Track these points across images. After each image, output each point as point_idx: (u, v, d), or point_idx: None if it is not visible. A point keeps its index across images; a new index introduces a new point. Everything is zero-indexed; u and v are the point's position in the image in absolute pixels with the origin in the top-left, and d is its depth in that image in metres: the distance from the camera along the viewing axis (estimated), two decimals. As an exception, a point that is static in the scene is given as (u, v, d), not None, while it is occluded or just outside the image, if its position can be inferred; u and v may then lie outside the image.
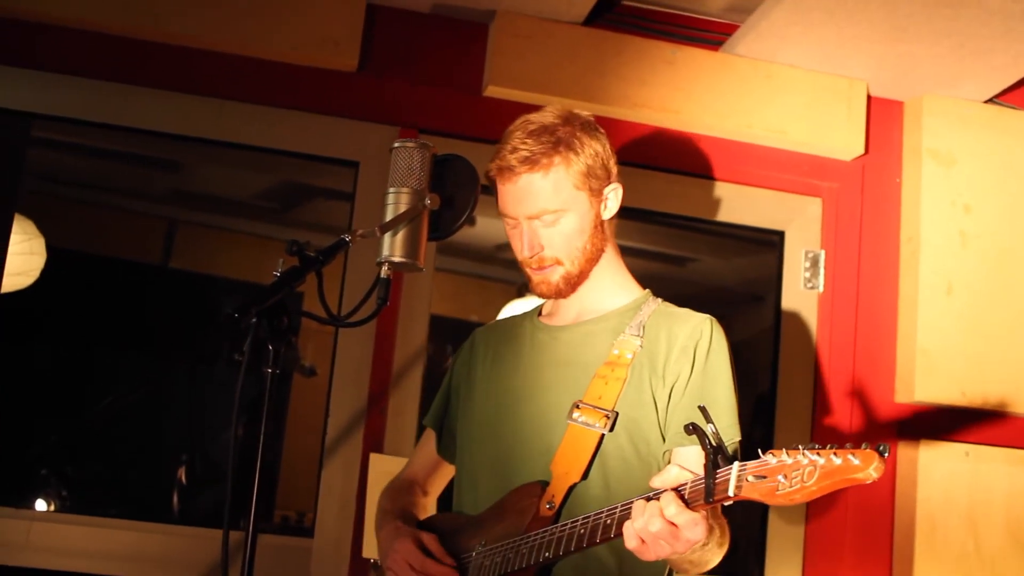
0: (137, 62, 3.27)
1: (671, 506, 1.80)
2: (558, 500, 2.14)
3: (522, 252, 2.29)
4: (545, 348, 2.35)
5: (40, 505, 3.83)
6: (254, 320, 1.85)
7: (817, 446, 1.65)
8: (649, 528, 1.81)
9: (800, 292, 3.63)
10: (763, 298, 3.81)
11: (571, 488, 2.15)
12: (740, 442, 2.18)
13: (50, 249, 3.93)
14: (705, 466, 1.77)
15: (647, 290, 2.39)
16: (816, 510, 3.50)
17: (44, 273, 3.91)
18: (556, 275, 2.28)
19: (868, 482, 1.61)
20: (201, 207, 4.84)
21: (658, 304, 2.33)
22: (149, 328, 4.14)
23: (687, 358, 2.19)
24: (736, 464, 1.74)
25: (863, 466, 1.60)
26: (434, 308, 3.37)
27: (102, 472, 4.17)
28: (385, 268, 2.13)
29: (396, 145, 2.19)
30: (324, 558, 3.18)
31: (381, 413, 3.28)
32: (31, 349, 4.14)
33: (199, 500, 4.24)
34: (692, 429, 1.80)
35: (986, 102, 3.72)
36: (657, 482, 1.87)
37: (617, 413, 2.17)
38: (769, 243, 3.78)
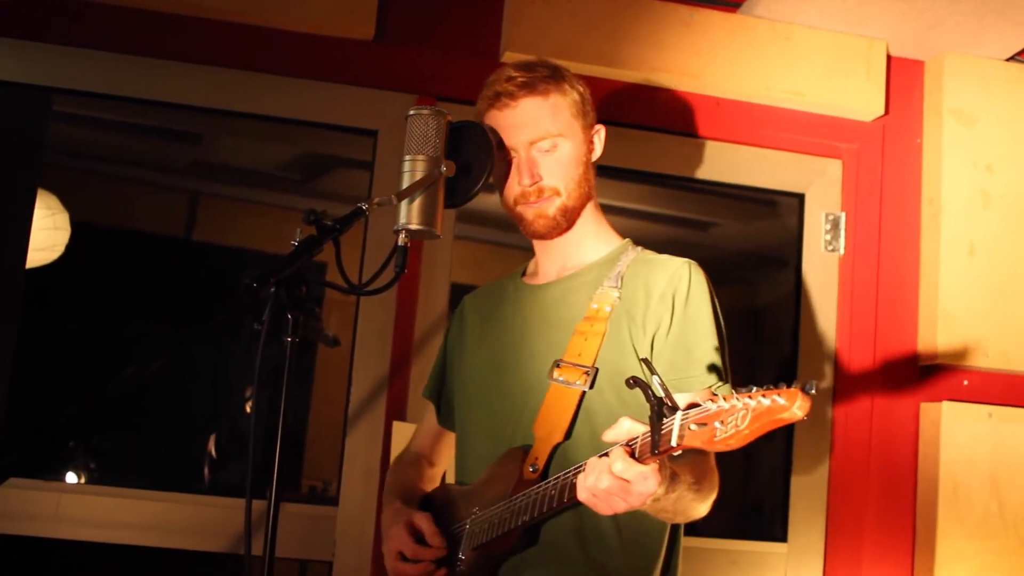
0: (154, 34, 3.27)
1: (618, 462, 1.80)
2: (542, 462, 2.15)
3: (520, 183, 2.29)
4: (528, 309, 2.37)
5: (70, 478, 3.87)
6: (273, 289, 1.86)
7: (754, 388, 1.64)
8: (599, 485, 1.83)
9: (821, 255, 3.62)
10: (787, 262, 3.80)
11: (555, 449, 2.17)
12: (726, 384, 2.17)
13: (74, 223, 3.95)
14: (650, 418, 1.78)
15: (627, 239, 2.41)
16: (839, 472, 3.50)
17: (68, 248, 3.93)
18: (553, 207, 2.29)
19: (795, 421, 1.60)
20: (223, 179, 4.85)
21: (637, 252, 2.35)
22: (174, 300, 4.16)
23: (666, 306, 2.20)
24: (679, 413, 1.74)
25: (787, 405, 1.59)
26: (454, 276, 3.38)
27: (130, 443, 4.21)
28: (402, 236, 2.14)
29: (411, 113, 2.20)
30: (348, 526, 3.21)
31: (403, 381, 3.30)
32: (57, 324, 4.17)
33: (228, 471, 4.27)
34: (634, 382, 1.80)
35: (1008, 60, 3.68)
36: (609, 436, 1.88)
37: (597, 369, 2.17)
38: (792, 206, 3.76)
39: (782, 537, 3.50)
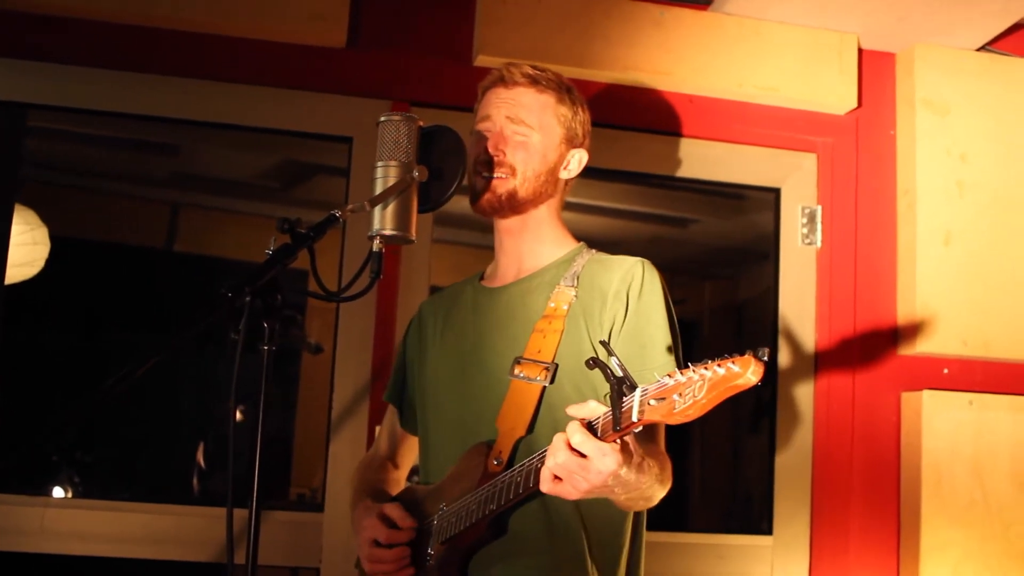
0: (128, 48, 3.28)
1: (576, 435, 1.83)
2: (505, 455, 2.20)
3: (485, 150, 2.37)
4: (487, 310, 2.43)
5: (57, 492, 3.86)
6: (248, 299, 1.86)
7: (708, 361, 1.69)
8: (557, 460, 1.85)
9: (798, 248, 3.64)
10: (766, 256, 3.81)
11: (518, 442, 2.21)
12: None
13: (53, 238, 3.94)
14: (610, 397, 1.81)
15: (581, 243, 2.47)
16: (822, 463, 3.52)
17: (48, 262, 3.92)
18: (504, 187, 2.36)
19: (750, 387, 1.64)
20: (203, 189, 4.84)
21: (592, 254, 2.42)
22: (157, 313, 4.16)
23: (621, 302, 2.26)
24: (638, 390, 1.77)
25: (742, 371, 1.64)
26: (433, 279, 3.38)
27: (116, 456, 4.20)
28: (376, 242, 2.16)
29: (382, 119, 2.21)
30: (334, 531, 3.22)
31: (385, 386, 3.30)
32: (38, 340, 4.16)
33: (217, 480, 4.26)
34: (594, 363, 1.85)
35: (978, 50, 3.71)
36: (572, 411, 1.91)
37: (557, 365, 2.23)
38: (768, 201, 3.78)
39: (767, 530, 3.51)
